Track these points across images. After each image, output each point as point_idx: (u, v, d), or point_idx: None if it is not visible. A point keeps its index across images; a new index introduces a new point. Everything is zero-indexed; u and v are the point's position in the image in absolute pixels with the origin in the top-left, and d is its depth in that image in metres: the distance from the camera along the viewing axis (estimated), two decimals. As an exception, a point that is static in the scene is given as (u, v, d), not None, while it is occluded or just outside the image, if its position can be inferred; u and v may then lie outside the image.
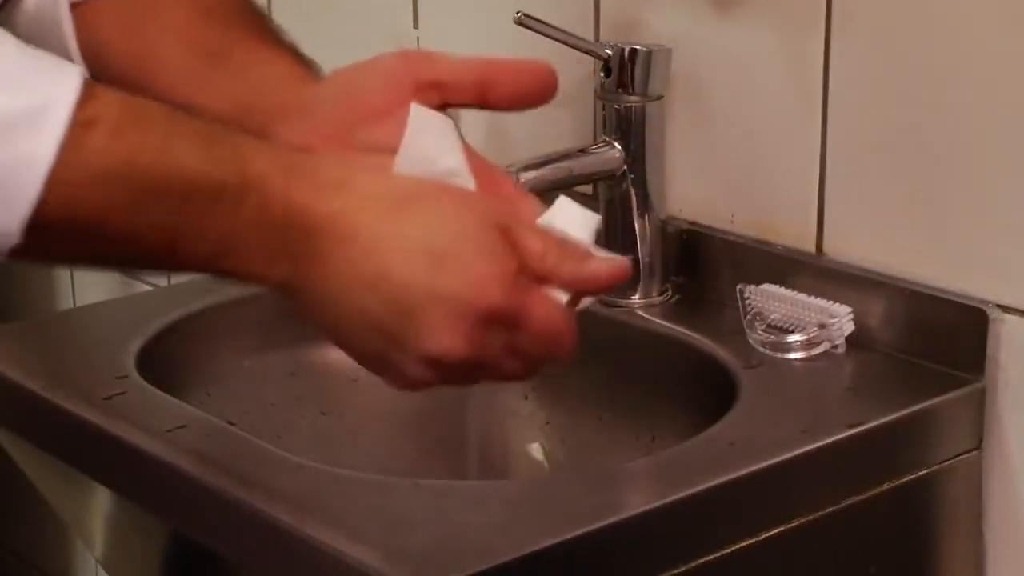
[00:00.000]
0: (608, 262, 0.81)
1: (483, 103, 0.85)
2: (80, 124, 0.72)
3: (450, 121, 0.85)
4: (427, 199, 0.79)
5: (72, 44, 0.97)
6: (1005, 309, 1.05)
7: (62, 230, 0.74)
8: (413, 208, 0.78)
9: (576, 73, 1.22)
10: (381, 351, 0.79)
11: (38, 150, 0.71)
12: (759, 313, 1.13)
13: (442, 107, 0.85)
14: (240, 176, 0.76)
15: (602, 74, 1.17)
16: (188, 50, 0.94)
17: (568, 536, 0.86)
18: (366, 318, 0.77)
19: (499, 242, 0.78)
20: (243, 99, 0.89)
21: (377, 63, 0.86)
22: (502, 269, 0.77)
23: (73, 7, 0.97)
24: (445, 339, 0.77)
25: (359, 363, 0.82)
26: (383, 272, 0.77)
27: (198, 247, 0.76)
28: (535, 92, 0.85)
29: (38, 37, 1.00)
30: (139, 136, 0.74)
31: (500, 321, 0.77)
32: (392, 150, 0.82)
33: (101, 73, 0.96)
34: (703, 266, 1.21)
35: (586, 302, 0.82)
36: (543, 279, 0.79)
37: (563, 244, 0.80)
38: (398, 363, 0.79)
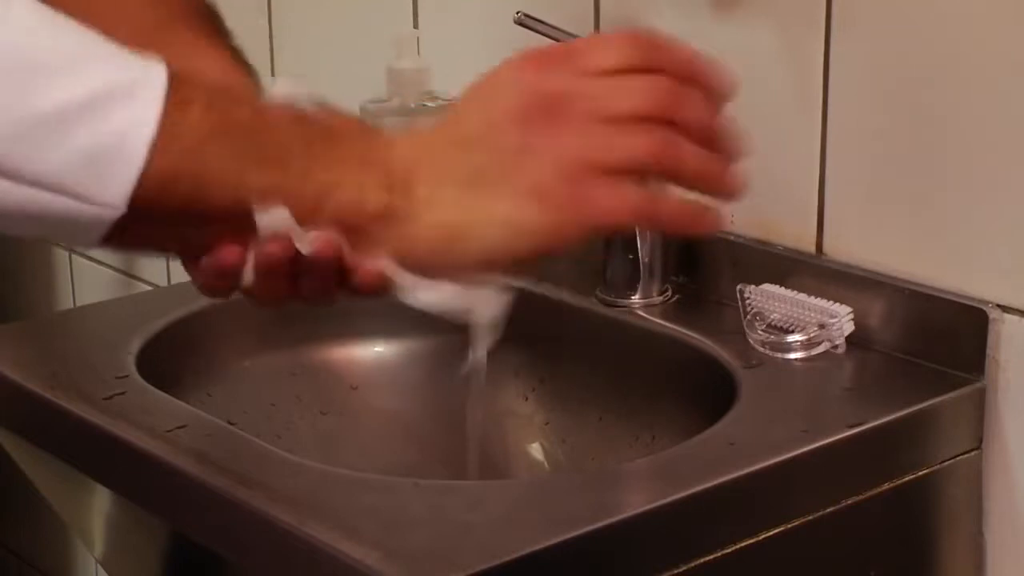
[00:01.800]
0: None
1: None
2: (174, 103, 0.73)
3: None
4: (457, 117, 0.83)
5: None
6: (1005, 309, 1.05)
7: (165, 200, 0.74)
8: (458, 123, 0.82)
9: (576, 73, 1.22)
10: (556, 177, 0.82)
11: (143, 116, 0.72)
12: (759, 313, 1.13)
13: None
14: (328, 127, 0.79)
15: (602, 74, 1.17)
16: (131, 35, 0.94)
17: (568, 536, 0.86)
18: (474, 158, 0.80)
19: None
20: None
21: None
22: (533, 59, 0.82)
23: None
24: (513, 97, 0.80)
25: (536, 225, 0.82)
26: (465, 140, 0.80)
27: (302, 195, 0.77)
28: None
29: None
30: (232, 107, 0.77)
31: (556, 59, 0.82)
32: None
33: None
34: (703, 266, 1.21)
35: None
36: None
37: None
38: (540, 166, 0.81)
